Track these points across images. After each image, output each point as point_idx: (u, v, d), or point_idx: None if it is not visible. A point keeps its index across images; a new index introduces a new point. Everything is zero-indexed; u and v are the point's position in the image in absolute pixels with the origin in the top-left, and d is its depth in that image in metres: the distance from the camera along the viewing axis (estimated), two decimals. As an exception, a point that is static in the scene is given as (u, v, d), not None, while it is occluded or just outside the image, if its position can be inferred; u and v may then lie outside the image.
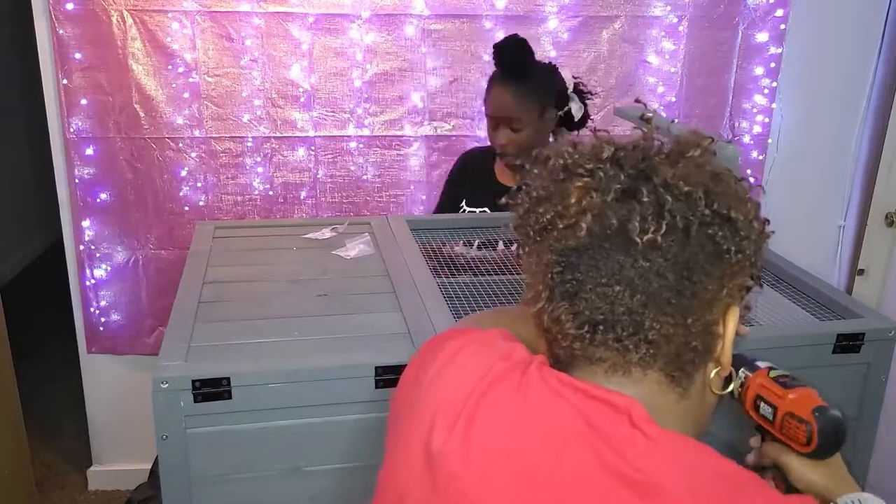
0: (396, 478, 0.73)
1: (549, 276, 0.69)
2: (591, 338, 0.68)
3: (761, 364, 0.86)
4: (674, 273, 0.65)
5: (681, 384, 0.70)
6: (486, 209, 1.90)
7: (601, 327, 0.67)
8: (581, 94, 1.95)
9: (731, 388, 0.77)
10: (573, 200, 0.68)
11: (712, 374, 0.72)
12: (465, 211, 1.93)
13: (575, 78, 1.96)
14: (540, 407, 0.68)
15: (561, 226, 0.68)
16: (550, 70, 1.92)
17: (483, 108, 1.95)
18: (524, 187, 0.73)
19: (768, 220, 0.73)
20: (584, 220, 0.66)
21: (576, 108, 1.92)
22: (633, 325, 0.67)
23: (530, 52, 1.85)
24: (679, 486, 0.62)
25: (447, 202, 2.01)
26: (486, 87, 1.90)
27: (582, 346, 0.69)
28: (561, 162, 0.71)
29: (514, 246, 0.76)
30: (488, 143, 1.97)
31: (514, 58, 1.84)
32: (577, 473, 0.64)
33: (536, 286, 0.71)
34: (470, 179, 2.00)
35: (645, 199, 0.65)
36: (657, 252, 0.65)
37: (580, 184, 0.68)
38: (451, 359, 0.75)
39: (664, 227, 0.64)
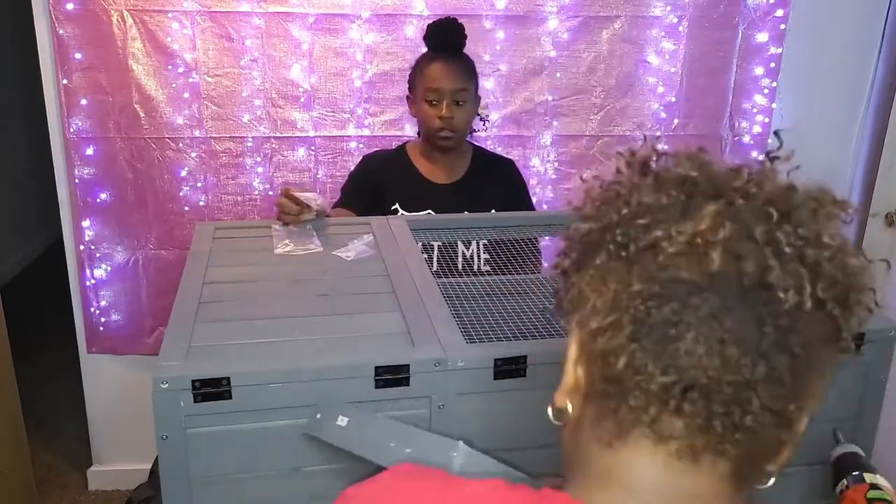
0: None
1: (642, 307, 0.53)
2: (679, 405, 0.52)
3: (868, 478, 0.87)
4: (799, 347, 0.52)
5: (741, 484, 0.56)
6: (429, 211, 1.88)
7: (695, 393, 0.52)
8: None
9: (771, 481, 0.60)
10: (704, 227, 0.52)
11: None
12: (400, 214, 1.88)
13: None
14: None
15: (673, 250, 0.52)
16: None
17: (413, 93, 1.93)
18: (611, 186, 0.58)
19: (877, 304, 0.59)
20: (715, 252, 0.51)
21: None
22: (734, 402, 0.52)
23: (465, 33, 1.92)
24: None
25: (357, 205, 1.89)
26: (417, 66, 1.92)
27: (657, 413, 0.53)
28: (684, 171, 0.55)
29: (561, 256, 0.61)
30: (384, 150, 2.04)
31: (456, 35, 1.90)
32: None
33: (609, 316, 0.54)
34: (397, 182, 1.94)
35: (787, 250, 0.51)
36: (795, 318, 0.51)
37: (714, 207, 0.53)
38: None
39: (808, 290, 0.51)
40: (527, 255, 1.58)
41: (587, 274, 0.57)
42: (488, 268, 1.81)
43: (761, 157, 0.59)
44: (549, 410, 0.62)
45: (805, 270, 0.51)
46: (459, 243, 1.81)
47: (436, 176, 1.94)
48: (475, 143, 2.04)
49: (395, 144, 2.28)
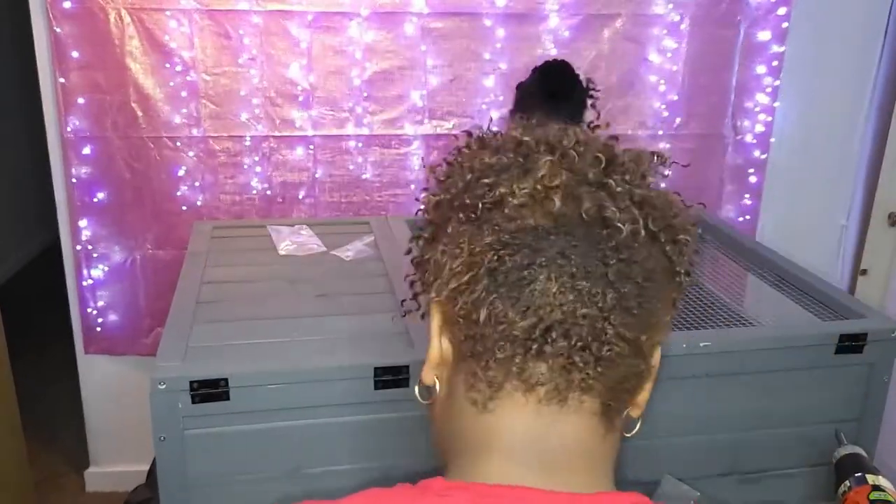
0: None
1: (495, 257, 0.56)
2: (541, 347, 0.55)
3: (870, 480, 0.87)
4: (641, 278, 0.56)
5: (611, 420, 0.59)
6: None
7: (554, 332, 0.54)
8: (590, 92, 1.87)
9: (636, 429, 0.63)
10: (542, 174, 0.57)
11: (624, 414, 0.61)
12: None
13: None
14: None
15: (518, 202, 0.56)
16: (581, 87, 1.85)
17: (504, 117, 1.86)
18: (454, 160, 0.63)
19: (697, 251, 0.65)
20: (556, 196, 0.56)
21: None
22: (591, 334, 0.55)
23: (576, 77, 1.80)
24: None
25: None
26: (525, 102, 1.80)
27: (522, 362, 0.55)
28: (518, 135, 0.60)
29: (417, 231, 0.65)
30: None
31: (570, 86, 1.79)
32: None
33: (463, 274, 0.57)
34: None
35: (618, 189, 0.57)
36: (633, 249, 0.56)
37: (550, 158, 0.58)
38: None
39: (641, 221, 0.56)
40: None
41: (440, 243, 0.60)
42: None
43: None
44: (416, 389, 0.64)
45: (635, 206, 0.57)
46: None
47: None
48: None
49: (394, 144, 2.28)
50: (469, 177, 0.60)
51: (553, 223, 0.56)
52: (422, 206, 0.64)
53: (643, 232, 0.56)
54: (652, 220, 0.57)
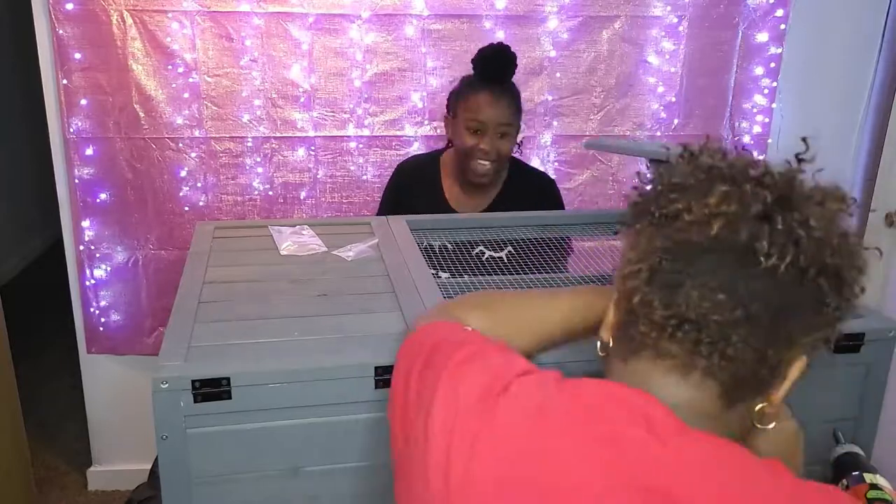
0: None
1: (658, 260, 0.70)
2: (673, 333, 0.68)
3: (868, 478, 0.88)
4: (778, 303, 0.67)
5: (732, 403, 0.70)
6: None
7: (687, 326, 0.68)
8: None
9: (772, 425, 0.74)
10: (713, 201, 0.68)
11: (758, 407, 0.72)
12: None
13: None
14: (555, 428, 0.68)
15: (689, 219, 0.68)
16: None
17: (453, 114, 1.90)
18: (661, 172, 0.74)
19: (864, 289, 0.74)
20: (717, 223, 0.67)
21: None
22: (719, 335, 0.67)
23: (516, 63, 1.86)
24: (691, 489, 0.63)
25: (390, 212, 1.90)
26: (462, 90, 1.88)
27: (658, 337, 0.70)
28: (709, 162, 0.72)
29: (622, 222, 0.77)
30: (420, 154, 1.99)
31: (508, 67, 1.85)
32: (587, 486, 0.64)
33: (637, 265, 0.71)
34: (424, 194, 1.93)
35: (779, 227, 0.66)
36: (773, 280, 0.66)
37: (724, 188, 0.68)
38: (457, 382, 0.74)
39: (788, 258, 0.65)
40: (528, 254, 1.58)
41: (630, 233, 0.75)
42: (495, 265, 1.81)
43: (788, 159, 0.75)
44: (598, 344, 0.79)
45: (790, 243, 0.66)
46: (462, 243, 1.80)
47: (460, 204, 1.91)
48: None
49: (395, 145, 2.29)
50: (660, 188, 0.72)
51: (710, 243, 0.67)
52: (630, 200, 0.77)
53: (783, 268, 0.65)
54: (804, 257, 0.66)
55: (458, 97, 1.89)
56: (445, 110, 1.98)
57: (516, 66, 1.87)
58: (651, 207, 0.72)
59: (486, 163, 1.85)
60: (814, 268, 0.67)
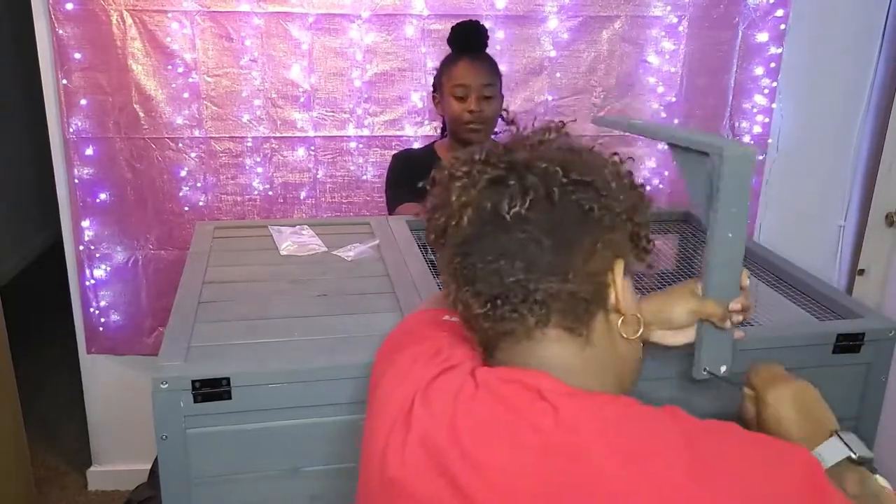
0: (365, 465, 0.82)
1: (453, 268, 0.77)
2: (494, 313, 0.75)
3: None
4: (546, 237, 0.74)
5: (580, 333, 0.77)
6: None
7: (499, 301, 0.75)
8: None
9: (640, 333, 0.81)
10: (454, 198, 0.77)
11: (619, 322, 0.79)
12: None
13: None
14: (471, 406, 0.74)
15: (453, 223, 0.77)
16: None
17: (439, 92, 1.99)
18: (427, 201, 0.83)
19: (643, 185, 0.82)
20: (466, 213, 0.75)
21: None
22: (522, 292, 0.74)
23: (487, 34, 2.00)
24: (591, 434, 0.68)
25: (400, 203, 1.96)
26: (442, 67, 1.99)
27: (492, 324, 0.76)
28: (446, 172, 0.80)
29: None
30: (412, 147, 2.04)
31: (480, 36, 1.98)
32: (498, 456, 0.70)
33: (449, 283, 0.79)
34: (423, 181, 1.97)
35: (511, 183, 0.75)
36: (526, 223, 0.73)
37: (459, 184, 0.77)
38: (397, 372, 0.84)
39: (528, 200, 0.73)
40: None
41: (439, 262, 0.84)
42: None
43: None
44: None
45: (521, 187, 0.74)
46: None
47: None
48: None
49: (395, 145, 2.29)
50: (427, 215, 0.83)
51: (474, 229, 0.76)
52: None
53: (524, 211, 0.73)
54: (543, 188, 0.73)
55: (440, 74, 1.99)
56: (432, 90, 2.05)
57: (488, 36, 2.00)
58: (432, 232, 0.81)
59: (479, 126, 1.93)
60: (555, 192, 0.73)
